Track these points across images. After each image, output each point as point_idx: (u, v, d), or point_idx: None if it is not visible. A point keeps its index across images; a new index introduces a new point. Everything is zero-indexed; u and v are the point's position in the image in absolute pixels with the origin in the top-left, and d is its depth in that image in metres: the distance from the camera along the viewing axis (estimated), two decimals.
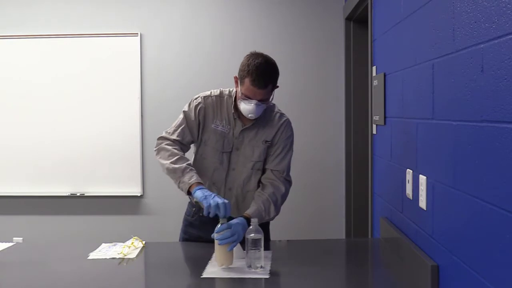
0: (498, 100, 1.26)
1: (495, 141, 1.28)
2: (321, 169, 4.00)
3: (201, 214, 2.33)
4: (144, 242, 2.33)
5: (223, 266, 1.93)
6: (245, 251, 1.95)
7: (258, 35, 3.98)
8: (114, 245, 2.33)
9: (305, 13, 3.98)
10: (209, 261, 2.04)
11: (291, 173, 2.32)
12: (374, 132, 2.77)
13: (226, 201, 1.98)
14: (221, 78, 3.98)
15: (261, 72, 2.07)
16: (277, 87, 2.18)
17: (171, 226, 3.61)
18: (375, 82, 2.69)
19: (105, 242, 2.38)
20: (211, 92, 2.32)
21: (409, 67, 2.06)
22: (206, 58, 4.02)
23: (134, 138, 4.06)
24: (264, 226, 2.24)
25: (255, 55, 2.13)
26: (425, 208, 1.83)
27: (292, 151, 2.33)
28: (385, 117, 2.49)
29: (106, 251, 2.24)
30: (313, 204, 4.01)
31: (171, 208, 3.93)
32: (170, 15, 4.03)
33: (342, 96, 3.92)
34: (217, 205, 1.96)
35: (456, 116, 1.54)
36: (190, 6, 4.02)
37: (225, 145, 2.26)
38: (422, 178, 1.85)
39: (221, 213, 1.96)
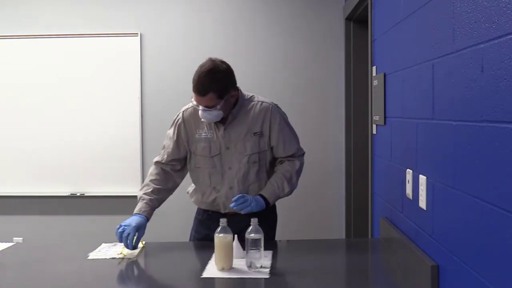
0: (498, 100, 1.26)
1: (495, 141, 1.28)
2: (321, 169, 3.99)
3: (210, 213, 2.40)
4: (144, 242, 2.33)
5: (223, 270, 1.93)
6: (245, 251, 1.95)
7: (258, 35, 3.98)
8: (114, 245, 2.33)
9: (305, 13, 3.98)
10: (209, 261, 2.04)
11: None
12: (374, 132, 2.77)
13: (127, 234, 2.18)
14: None
15: (200, 80, 2.16)
16: (230, 94, 2.22)
17: (171, 226, 3.61)
18: (375, 82, 2.69)
19: (105, 242, 2.38)
20: (189, 104, 2.39)
21: (409, 67, 2.06)
22: (206, 58, 4.00)
23: (134, 138, 4.06)
24: (272, 223, 2.41)
25: (206, 61, 2.23)
26: (425, 208, 1.83)
27: (291, 127, 2.39)
28: (385, 117, 2.49)
29: (106, 251, 2.25)
30: (313, 204, 4.01)
31: (171, 208, 3.92)
32: (170, 15, 4.03)
33: (342, 96, 3.92)
34: (121, 240, 2.18)
35: (456, 116, 1.54)
36: (190, 6, 4.02)
37: (212, 149, 2.31)
38: (422, 178, 1.85)
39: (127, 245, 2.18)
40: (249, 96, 2.36)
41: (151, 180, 2.38)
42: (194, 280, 1.88)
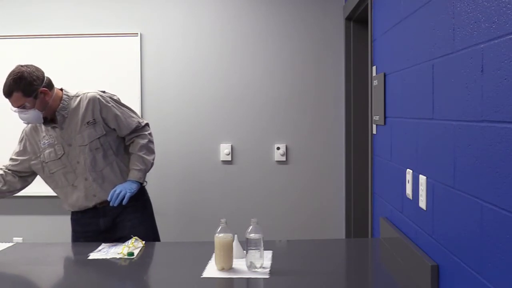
0: (498, 100, 1.26)
1: (495, 141, 1.28)
2: (321, 168, 3.99)
3: (82, 211, 2.57)
4: (144, 242, 2.34)
5: (223, 270, 1.93)
6: (245, 251, 1.95)
7: (257, 35, 3.98)
8: (114, 245, 2.34)
9: (305, 13, 3.98)
10: (209, 261, 2.04)
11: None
12: (374, 132, 2.77)
13: None
14: (221, 78, 3.99)
15: (5, 83, 2.38)
16: (40, 92, 2.40)
17: (171, 226, 3.61)
18: (375, 82, 2.69)
19: (105, 242, 2.39)
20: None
21: (409, 67, 2.06)
22: (206, 58, 4.02)
23: None
24: (147, 200, 2.67)
25: (14, 68, 2.43)
26: (425, 208, 1.83)
27: (123, 104, 2.60)
28: (385, 117, 2.49)
29: (106, 251, 2.25)
30: (313, 204, 4.01)
31: (171, 208, 3.93)
32: (170, 15, 4.03)
33: (342, 96, 3.91)
34: None
35: (456, 116, 1.54)
36: (190, 6, 4.02)
37: (57, 151, 2.50)
38: (422, 178, 1.85)
39: None
40: (74, 93, 2.56)
41: None
42: (194, 280, 1.88)
